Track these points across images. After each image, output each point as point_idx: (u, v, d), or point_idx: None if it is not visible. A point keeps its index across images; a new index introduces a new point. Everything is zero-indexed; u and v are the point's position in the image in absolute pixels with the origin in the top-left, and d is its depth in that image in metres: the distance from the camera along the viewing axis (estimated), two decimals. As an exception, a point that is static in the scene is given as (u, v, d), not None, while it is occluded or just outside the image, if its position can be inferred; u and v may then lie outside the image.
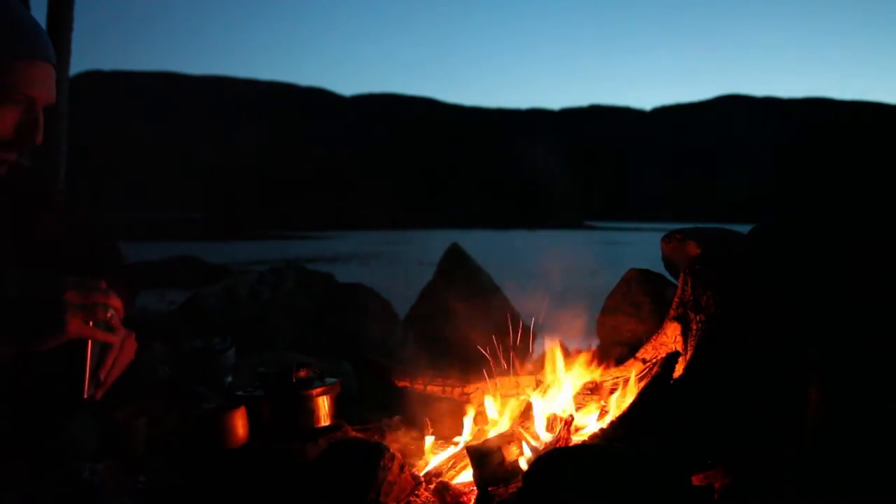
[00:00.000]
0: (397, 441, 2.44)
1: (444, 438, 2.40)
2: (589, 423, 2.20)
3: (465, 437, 2.32)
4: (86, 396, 1.48)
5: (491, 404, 2.38)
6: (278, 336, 5.51)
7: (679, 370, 2.05)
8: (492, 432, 2.23)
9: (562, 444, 2.00)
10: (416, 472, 2.11)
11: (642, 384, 2.12)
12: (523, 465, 1.94)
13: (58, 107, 5.05)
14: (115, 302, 1.50)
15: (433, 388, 2.61)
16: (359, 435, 2.37)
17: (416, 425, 2.52)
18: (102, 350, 1.50)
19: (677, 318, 2.23)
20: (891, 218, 2.16)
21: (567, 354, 2.55)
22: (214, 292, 6.10)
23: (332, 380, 2.35)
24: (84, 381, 1.47)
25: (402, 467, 1.95)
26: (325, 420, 2.26)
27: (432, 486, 2.00)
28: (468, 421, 2.37)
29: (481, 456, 1.90)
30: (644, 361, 2.33)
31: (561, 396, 2.31)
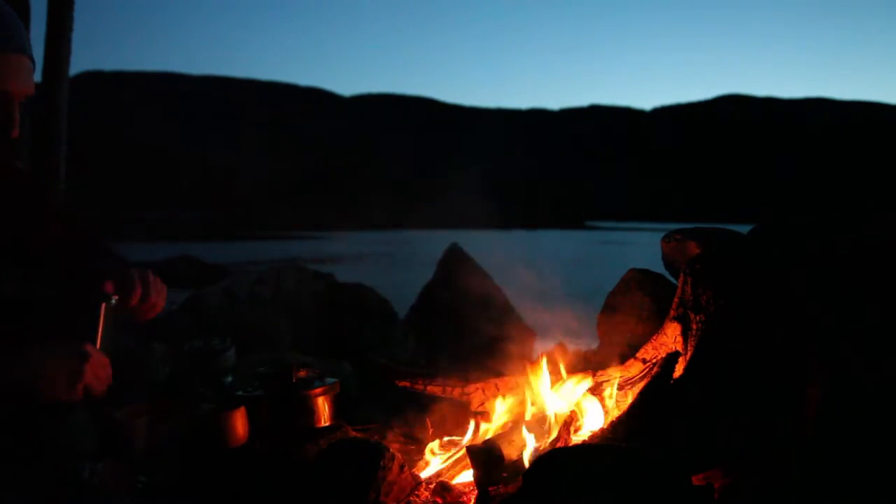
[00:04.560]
0: (397, 441, 2.44)
1: (445, 438, 2.40)
2: (589, 424, 2.20)
3: (466, 437, 2.32)
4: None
5: (491, 404, 2.38)
6: (278, 336, 5.51)
7: (679, 370, 2.05)
8: (492, 432, 2.23)
9: (562, 444, 2.00)
10: (416, 472, 2.11)
11: (641, 384, 2.12)
12: (523, 465, 1.94)
13: (58, 107, 5.05)
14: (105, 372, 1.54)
15: (433, 388, 2.61)
16: (359, 435, 2.37)
17: (416, 425, 2.52)
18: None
19: (677, 318, 2.23)
20: (890, 217, 2.16)
21: (565, 356, 2.55)
22: (214, 292, 6.10)
23: (332, 380, 2.34)
24: (97, 336, 1.54)
25: (402, 467, 1.95)
26: (325, 420, 2.26)
27: (432, 486, 2.00)
28: (468, 421, 2.37)
29: (481, 456, 1.90)
30: (644, 361, 2.33)
31: (561, 397, 2.31)
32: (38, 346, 1.45)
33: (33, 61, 1.55)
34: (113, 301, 1.62)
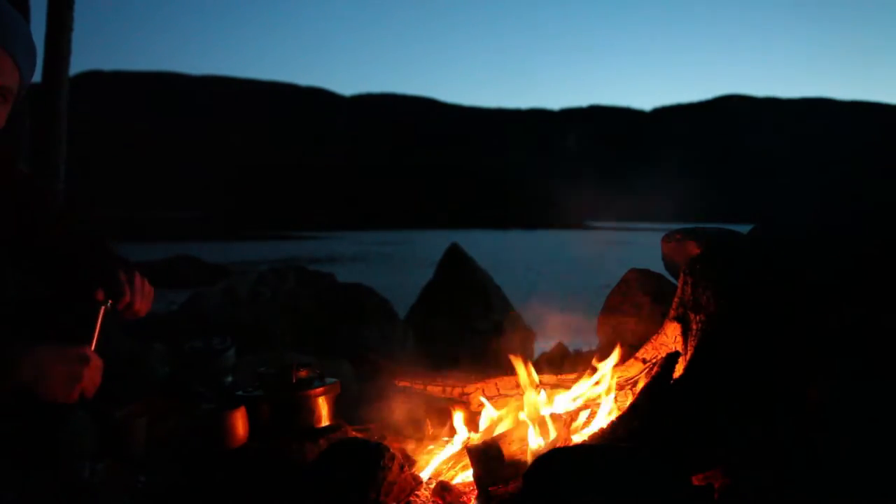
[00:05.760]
0: (397, 441, 2.43)
1: (444, 438, 2.40)
2: (589, 423, 2.20)
3: (466, 437, 2.32)
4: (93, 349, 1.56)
5: (491, 404, 2.37)
6: (278, 336, 5.51)
7: (679, 370, 2.05)
8: (492, 432, 2.22)
9: (562, 444, 2.00)
10: (416, 472, 2.11)
11: (641, 384, 2.12)
12: (524, 465, 1.93)
13: (58, 107, 5.05)
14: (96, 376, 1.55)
15: (433, 388, 2.61)
16: (359, 435, 2.36)
17: (416, 425, 2.52)
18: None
19: (677, 318, 2.23)
20: (889, 217, 2.16)
21: (565, 355, 2.54)
22: (214, 292, 6.11)
23: (332, 380, 2.34)
24: (93, 339, 1.57)
25: (402, 467, 1.95)
26: (325, 420, 2.26)
27: (432, 486, 2.00)
28: (468, 421, 2.37)
29: (481, 456, 1.90)
30: (644, 361, 2.33)
31: (561, 396, 2.31)
32: (42, 347, 1.46)
33: (9, 53, 1.49)
34: (108, 304, 1.65)
